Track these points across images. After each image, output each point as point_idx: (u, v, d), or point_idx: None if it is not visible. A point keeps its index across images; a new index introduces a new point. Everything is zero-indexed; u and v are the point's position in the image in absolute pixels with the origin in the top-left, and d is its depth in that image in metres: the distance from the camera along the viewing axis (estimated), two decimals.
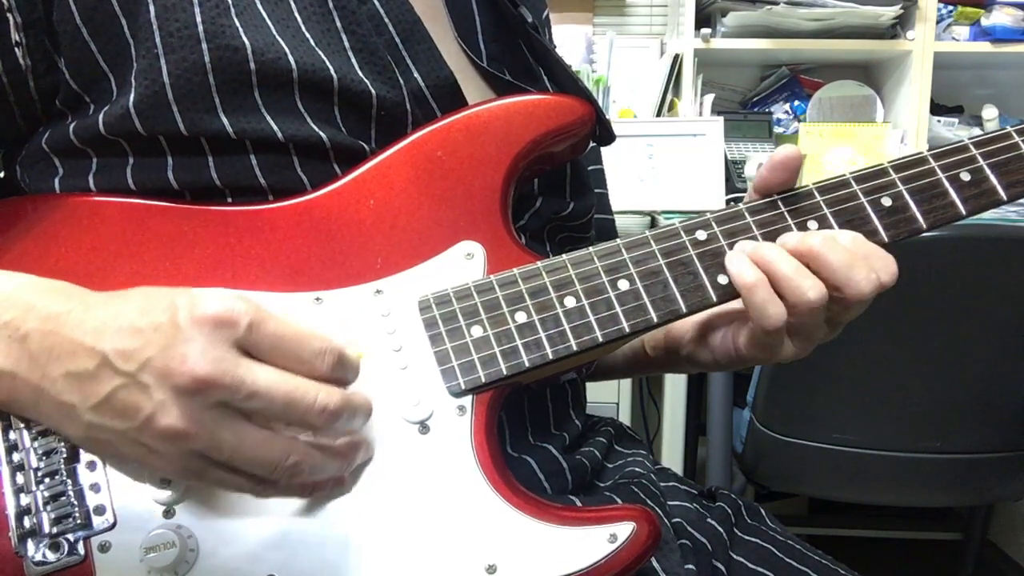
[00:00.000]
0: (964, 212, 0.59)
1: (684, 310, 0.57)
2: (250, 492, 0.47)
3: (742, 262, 0.56)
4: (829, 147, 2.08)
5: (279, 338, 0.44)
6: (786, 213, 0.58)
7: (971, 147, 0.59)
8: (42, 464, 0.49)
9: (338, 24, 0.59)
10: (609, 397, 1.63)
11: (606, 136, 0.67)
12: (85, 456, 0.50)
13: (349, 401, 0.46)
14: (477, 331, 0.55)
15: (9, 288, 0.46)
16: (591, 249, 0.58)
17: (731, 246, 0.58)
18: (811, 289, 0.54)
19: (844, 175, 0.59)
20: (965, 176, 0.59)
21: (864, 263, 0.55)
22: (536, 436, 0.65)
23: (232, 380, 0.42)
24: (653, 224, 1.62)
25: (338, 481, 0.50)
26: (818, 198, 0.59)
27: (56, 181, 0.59)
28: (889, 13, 2.09)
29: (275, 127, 0.56)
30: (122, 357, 0.43)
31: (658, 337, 0.71)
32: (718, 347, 0.64)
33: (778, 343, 0.58)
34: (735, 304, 0.59)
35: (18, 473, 0.50)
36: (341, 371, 0.47)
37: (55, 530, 0.49)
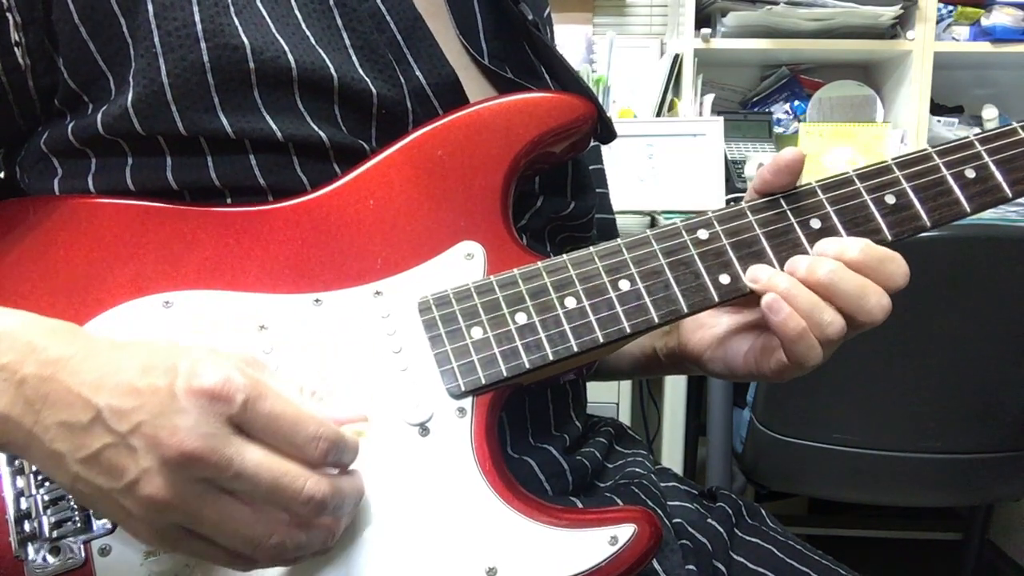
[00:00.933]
0: (969, 209, 0.58)
1: (685, 310, 0.56)
2: (227, 566, 0.46)
3: (782, 308, 0.55)
4: (829, 147, 2.08)
5: (273, 418, 0.43)
6: (788, 212, 0.58)
7: (976, 144, 0.59)
8: None
9: (338, 22, 0.59)
10: (609, 397, 1.63)
11: (607, 134, 0.67)
12: None
13: (338, 490, 0.46)
14: (477, 332, 0.55)
15: (10, 327, 0.45)
16: (592, 249, 0.57)
17: (733, 246, 0.57)
18: (831, 325, 0.54)
19: (847, 172, 0.59)
20: (970, 173, 0.58)
21: (875, 289, 0.55)
22: (536, 437, 0.65)
23: (219, 459, 0.41)
24: (653, 224, 1.62)
25: (318, 557, 0.49)
26: (820, 196, 0.58)
27: (56, 182, 0.58)
28: (889, 13, 2.09)
29: (274, 126, 0.56)
30: (115, 416, 0.42)
31: (671, 346, 0.71)
32: (739, 367, 0.63)
33: (805, 369, 0.58)
34: (755, 317, 0.59)
35: (18, 477, 0.50)
36: (336, 456, 0.46)
37: (55, 534, 0.48)
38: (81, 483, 0.44)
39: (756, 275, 0.56)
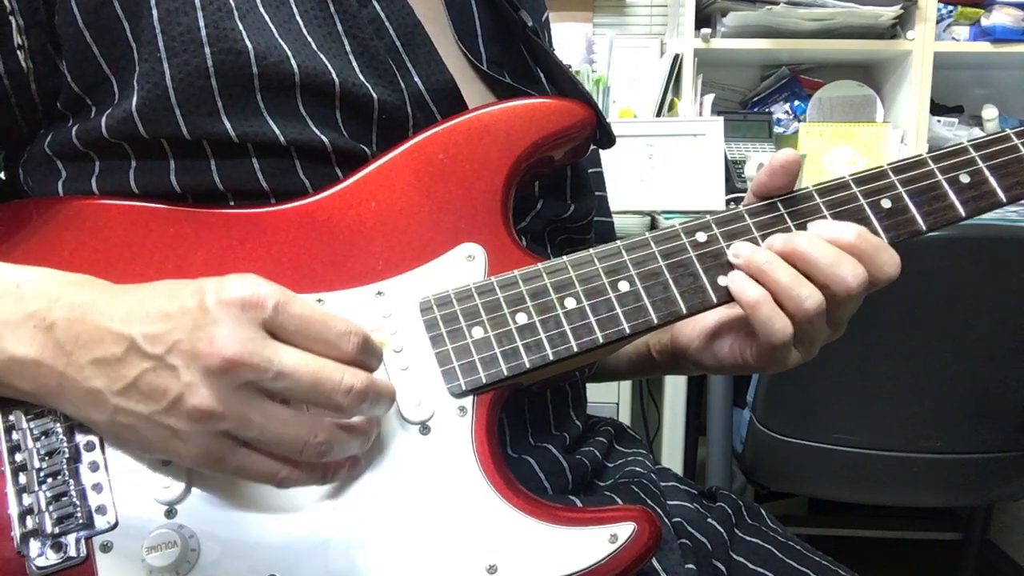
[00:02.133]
0: (963, 214, 0.59)
1: (684, 311, 0.57)
2: (269, 479, 0.47)
3: (743, 279, 0.56)
4: (829, 147, 2.08)
5: (305, 319, 0.45)
6: (786, 215, 0.59)
7: (970, 149, 0.60)
8: (44, 464, 0.50)
9: (339, 28, 0.59)
10: (609, 397, 1.64)
11: (606, 139, 0.67)
12: (87, 457, 0.50)
13: (374, 383, 0.47)
14: (478, 332, 0.55)
15: (34, 280, 0.47)
16: (591, 251, 0.58)
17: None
18: (809, 298, 0.55)
19: (844, 177, 0.59)
20: (964, 178, 0.59)
21: (849, 259, 0.55)
22: (536, 436, 0.65)
23: (260, 360, 0.43)
24: (653, 224, 1.62)
25: (353, 462, 0.50)
26: (817, 200, 0.59)
27: (59, 184, 0.59)
28: (889, 13, 2.09)
29: (277, 130, 0.56)
30: (150, 341, 0.44)
31: (663, 342, 0.72)
32: (725, 356, 0.64)
33: (786, 353, 0.58)
34: (740, 313, 0.60)
35: (20, 473, 0.50)
36: (366, 355, 0.47)
37: (57, 530, 0.49)
38: (121, 415, 0.45)
39: (737, 250, 0.57)
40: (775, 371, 0.61)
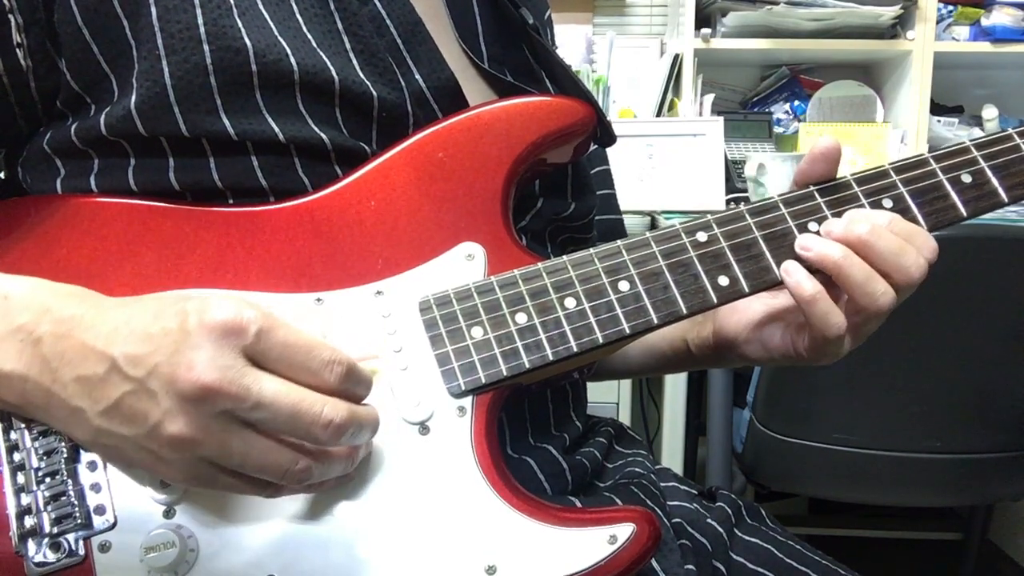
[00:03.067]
0: (965, 214, 0.59)
1: (684, 312, 0.57)
2: (258, 495, 0.47)
3: (801, 274, 0.56)
4: None
5: (288, 347, 0.44)
6: (787, 215, 0.58)
7: (972, 149, 0.59)
8: (43, 464, 0.50)
9: (339, 25, 0.59)
10: (609, 397, 1.63)
11: (607, 138, 0.67)
12: (86, 456, 0.50)
13: (355, 415, 0.45)
14: (478, 332, 0.55)
15: (23, 291, 0.47)
16: (592, 250, 0.58)
17: (732, 248, 0.58)
18: (884, 295, 0.55)
19: (845, 177, 0.59)
20: (966, 178, 0.59)
21: (911, 248, 0.55)
22: (536, 437, 0.65)
23: (238, 390, 0.42)
24: (653, 224, 1.62)
25: (344, 475, 0.50)
26: (818, 199, 0.59)
27: (58, 182, 0.59)
28: (889, 13, 2.09)
29: (276, 128, 0.56)
30: (131, 362, 0.43)
31: (704, 336, 0.71)
32: (776, 347, 0.64)
33: (839, 345, 0.58)
34: (787, 304, 0.60)
35: (19, 473, 0.50)
36: (351, 384, 0.46)
37: (55, 530, 0.49)
38: (104, 436, 0.44)
39: (806, 243, 0.57)
40: (827, 362, 0.60)
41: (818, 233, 0.57)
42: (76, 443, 0.49)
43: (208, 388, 0.41)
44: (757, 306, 0.65)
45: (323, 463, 0.46)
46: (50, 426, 0.49)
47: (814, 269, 0.56)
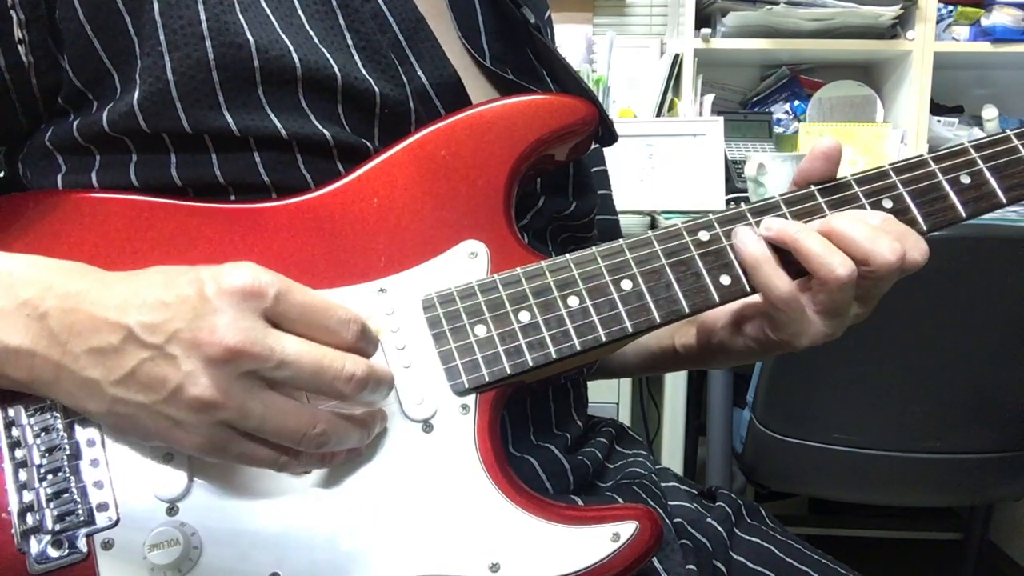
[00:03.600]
0: (964, 215, 0.59)
1: (687, 310, 0.57)
2: (271, 465, 0.47)
3: (749, 237, 0.57)
4: None
5: (305, 308, 0.45)
6: (788, 215, 0.58)
7: (971, 150, 0.60)
8: (45, 461, 0.50)
9: (341, 22, 0.59)
10: (609, 397, 1.63)
11: (608, 136, 0.67)
12: (88, 453, 0.50)
13: (374, 370, 0.47)
14: (481, 330, 0.55)
15: (26, 267, 0.47)
16: (594, 249, 0.58)
17: (734, 247, 0.58)
18: (840, 265, 0.54)
19: (846, 177, 0.59)
20: (965, 179, 0.59)
21: (887, 235, 0.55)
22: (538, 436, 0.65)
23: (262, 350, 0.43)
24: (653, 224, 1.62)
25: (354, 449, 0.50)
26: (819, 200, 0.59)
27: (59, 178, 0.59)
28: (889, 13, 2.09)
29: (279, 125, 0.56)
30: (148, 330, 0.43)
31: (689, 332, 0.71)
32: (751, 333, 0.63)
33: (799, 322, 0.57)
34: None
35: (21, 470, 0.50)
36: (365, 342, 0.47)
37: (58, 527, 0.49)
38: (119, 405, 0.45)
39: (769, 223, 0.57)
40: (796, 345, 0.59)
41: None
42: (87, 416, 0.49)
43: (233, 350, 0.42)
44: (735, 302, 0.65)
45: (340, 428, 0.47)
46: (59, 402, 0.49)
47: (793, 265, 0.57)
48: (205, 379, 0.43)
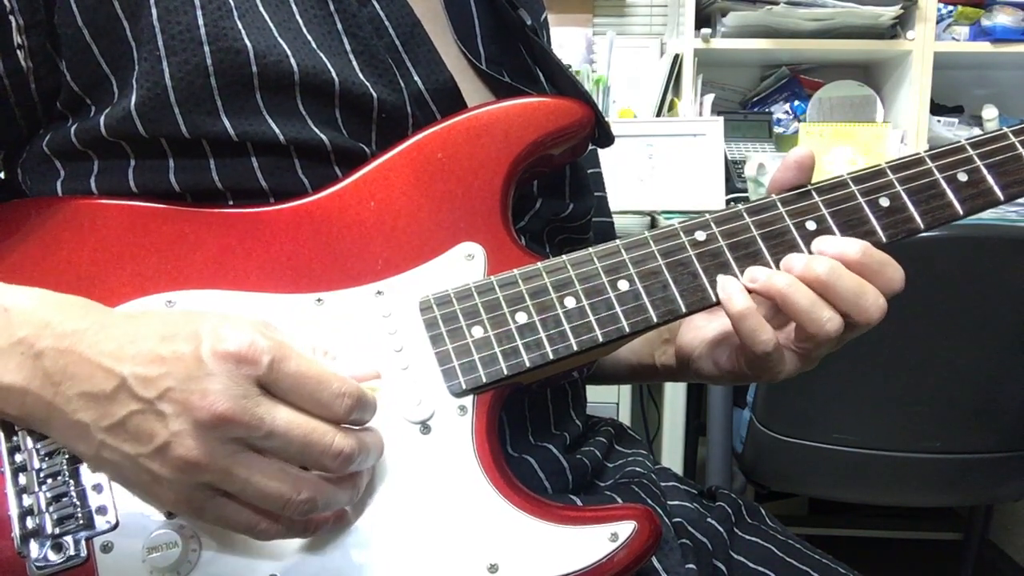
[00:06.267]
0: (961, 212, 0.59)
1: (684, 310, 0.57)
2: (248, 531, 0.46)
3: (734, 289, 0.56)
4: (829, 147, 2.08)
5: (299, 378, 0.44)
6: (784, 214, 0.59)
7: (968, 148, 0.60)
8: (44, 465, 0.50)
9: (339, 27, 0.59)
10: (609, 397, 1.64)
11: (605, 138, 0.67)
12: None
13: (364, 444, 0.47)
14: (478, 331, 0.55)
15: (25, 303, 0.46)
16: (591, 250, 0.58)
17: (730, 247, 0.58)
18: (829, 321, 0.55)
19: (842, 176, 0.60)
20: (962, 177, 0.59)
21: (872, 289, 0.55)
22: (537, 436, 0.65)
23: (251, 419, 0.43)
24: (653, 224, 1.62)
25: (339, 516, 0.50)
26: (816, 198, 0.59)
27: (58, 184, 0.59)
28: (889, 13, 2.09)
29: (276, 129, 0.56)
30: (141, 383, 0.43)
31: (668, 352, 0.72)
32: (724, 364, 0.64)
33: (777, 364, 0.58)
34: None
35: (21, 474, 0.50)
36: (359, 413, 0.47)
37: (58, 531, 0.49)
38: (107, 451, 0.44)
39: (754, 275, 0.57)
40: (769, 380, 0.61)
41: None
42: (78, 456, 0.49)
43: (222, 417, 0.42)
44: (714, 324, 0.66)
45: (325, 495, 0.46)
46: (51, 438, 0.49)
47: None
48: (192, 441, 0.42)
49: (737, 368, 0.63)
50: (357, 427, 0.47)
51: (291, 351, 0.45)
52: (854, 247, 0.56)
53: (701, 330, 0.67)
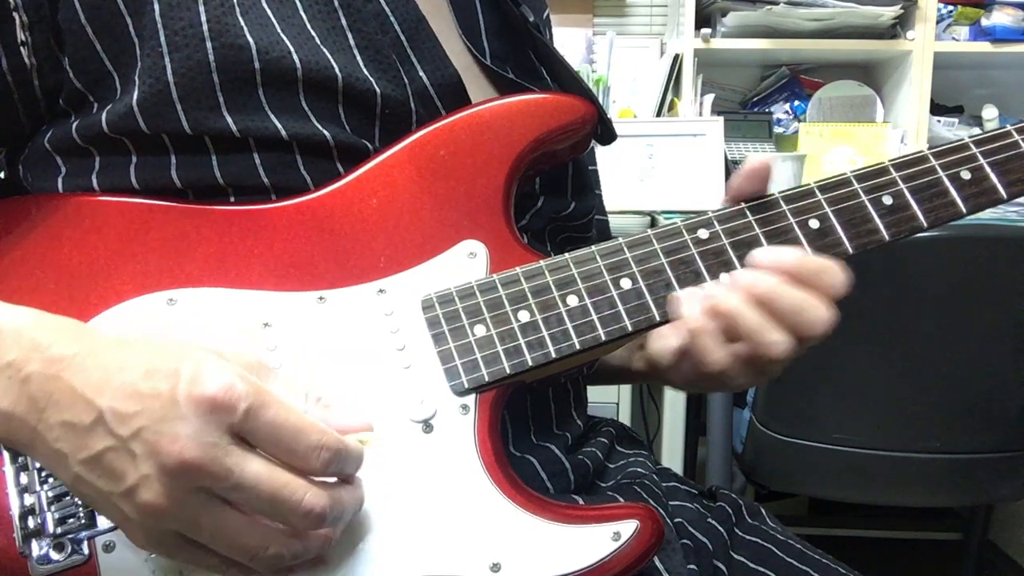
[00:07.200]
0: (964, 210, 0.59)
1: None
2: None
3: (693, 305, 0.55)
4: (829, 147, 2.09)
5: (275, 428, 0.43)
6: (788, 212, 0.58)
7: (971, 146, 0.59)
8: None
9: (343, 22, 0.59)
10: (609, 397, 1.63)
11: (607, 135, 0.67)
12: None
13: (338, 502, 0.45)
14: (480, 330, 0.55)
15: (14, 325, 0.45)
16: (593, 248, 0.58)
17: (733, 245, 0.58)
18: (778, 344, 0.54)
19: (845, 174, 0.59)
20: (965, 175, 0.59)
21: (812, 302, 0.54)
22: (538, 436, 0.65)
23: (219, 469, 0.41)
24: (653, 224, 1.62)
25: (317, 561, 0.48)
26: (819, 196, 0.59)
27: (59, 180, 0.59)
28: (889, 13, 2.09)
29: (279, 125, 0.56)
30: (117, 418, 0.42)
31: (642, 358, 0.74)
32: (685, 375, 0.62)
33: (727, 378, 0.57)
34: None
35: (22, 473, 0.50)
36: (339, 466, 0.45)
37: (59, 530, 0.49)
38: (82, 484, 0.44)
39: (711, 292, 0.55)
40: (719, 391, 0.60)
41: (814, 234, 0.57)
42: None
43: (189, 464, 0.41)
44: (678, 335, 0.65)
45: (295, 549, 0.45)
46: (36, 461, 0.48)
47: None
48: (158, 486, 0.41)
49: (696, 378, 0.61)
50: (338, 479, 0.46)
51: (271, 398, 0.43)
52: (789, 256, 0.55)
53: (666, 339, 0.66)
